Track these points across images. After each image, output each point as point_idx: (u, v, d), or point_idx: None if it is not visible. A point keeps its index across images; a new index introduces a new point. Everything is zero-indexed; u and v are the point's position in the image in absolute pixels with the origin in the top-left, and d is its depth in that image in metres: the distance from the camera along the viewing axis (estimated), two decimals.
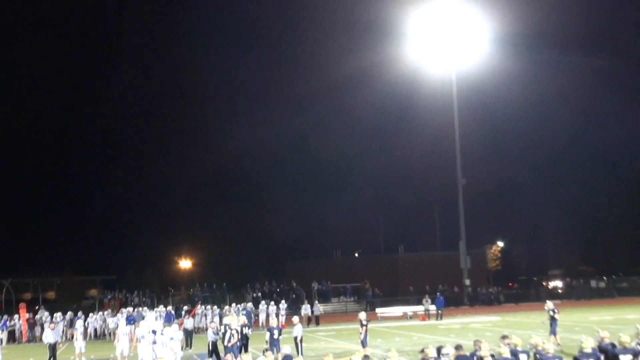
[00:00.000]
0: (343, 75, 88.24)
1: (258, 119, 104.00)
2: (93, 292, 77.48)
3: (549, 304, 35.03)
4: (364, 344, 31.79)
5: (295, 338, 32.50)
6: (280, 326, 32.82)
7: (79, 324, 37.04)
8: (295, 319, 34.36)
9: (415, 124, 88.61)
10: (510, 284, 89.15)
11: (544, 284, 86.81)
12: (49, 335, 32.33)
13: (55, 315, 52.86)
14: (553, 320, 34.16)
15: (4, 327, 50.94)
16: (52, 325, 34.26)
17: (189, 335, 43.28)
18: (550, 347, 17.95)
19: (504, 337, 19.70)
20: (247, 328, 31.36)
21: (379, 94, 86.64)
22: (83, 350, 35.05)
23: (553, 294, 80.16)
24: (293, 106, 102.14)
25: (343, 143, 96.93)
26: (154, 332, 29.78)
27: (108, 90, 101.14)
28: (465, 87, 75.11)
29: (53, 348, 32.03)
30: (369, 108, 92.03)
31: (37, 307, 59.12)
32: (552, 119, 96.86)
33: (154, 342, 28.48)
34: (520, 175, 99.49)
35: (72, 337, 47.37)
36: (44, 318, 52.97)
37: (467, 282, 75.21)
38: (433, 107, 78.68)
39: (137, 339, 29.89)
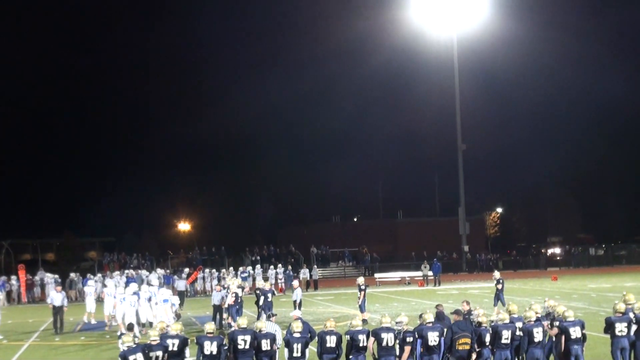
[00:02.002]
0: (343, 40, 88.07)
1: (258, 84, 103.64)
2: (92, 254, 77.52)
3: (496, 274, 35.13)
4: (362, 308, 31.84)
5: (295, 302, 32.61)
6: (273, 289, 32.79)
7: (90, 284, 37.16)
8: (295, 283, 34.47)
9: (416, 89, 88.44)
10: (509, 251, 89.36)
11: (542, 251, 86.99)
12: (56, 298, 32.23)
13: (54, 277, 53.04)
14: (499, 290, 34.36)
15: (2, 288, 51.04)
16: (58, 288, 34.11)
17: (181, 296, 43.67)
18: (567, 311, 17.89)
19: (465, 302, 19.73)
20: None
21: (380, 58, 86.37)
22: (93, 310, 35.26)
23: (551, 261, 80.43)
24: (293, 71, 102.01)
25: (343, 108, 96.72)
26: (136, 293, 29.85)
27: (108, 51, 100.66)
28: (466, 50, 74.85)
29: (58, 311, 31.93)
30: (370, 73, 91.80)
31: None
32: (553, 82, 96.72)
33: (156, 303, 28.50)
34: (520, 142, 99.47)
35: (75, 298, 47.71)
36: (45, 280, 53.13)
37: (466, 248, 75.33)
38: (434, 71, 78.51)
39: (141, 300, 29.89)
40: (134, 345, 16.35)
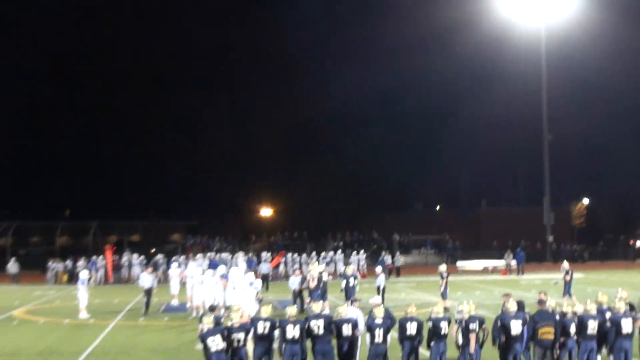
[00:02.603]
0: (431, 30, 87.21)
1: (346, 72, 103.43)
2: (176, 236, 78.73)
3: (565, 264, 34.19)
4: (444, 296, 31.73)
5: (378, 287, 32.57)
6: (357, 274, 32.88)
7: (174, 266, 37.76)
8: (379, 269, 34.41)
9: (503, 78, 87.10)
10: (596, 243, 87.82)
11: (631, 242, 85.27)
12: (146, 280, 32.69)
13: (139, 258, 54.08)
14: (567, 281, 33.52)
15: (93, 268, 52.16)
16: (148, 270, 34.61)
17: (264, 279, 44.33)
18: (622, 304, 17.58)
19: (506, 294, 19.36)
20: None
21: (467, 48, 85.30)
22: (177, 292, 35.89)
23: None
24: (380, 61, 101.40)
25: (428, 97, 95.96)
26: (225, 277, 30.18)
27: (202, 36, 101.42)
28: (554, 40, 73.54)
29: (149, 292, 32.38)
30: (456, 63, 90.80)
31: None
32: None
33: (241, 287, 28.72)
34: (609, 134, 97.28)
35: (159, 280, 48.49)
36: (133, 260, 54.21)
37: (550, 238, 74.34)
38: (521, 61, 77.31)
39: (225, 282, 30.20)
40: (214, 327, 16.53)
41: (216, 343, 16.08)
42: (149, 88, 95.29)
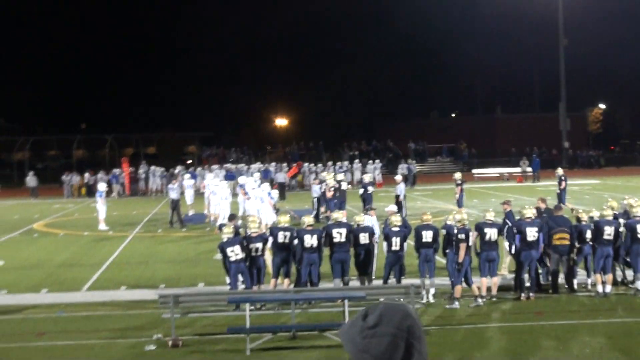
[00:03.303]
0: None
1: None
2: (191, 148, 78.93)
3: (559, 171, 34.00)
4: (459, 203, 31.83)
5: (398, 197, 32.48)
6: (375, 184, 33.11)
7: (187, 177, 37.97)
8: (398, 177, 34.41)
9: None
10: (612, 147, 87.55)
11: None
12: (172, 192, 32.80)
13: (156, 169, 54.29)
14: (562, 189, 33.40)
15: (114, 181, 52.40)
16: (174, 182, 34.63)
17: (281, 189, 44.59)
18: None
19: (506, 202, 19.42)
20: (346, 184, 31.60)
21: None
22: (192, 202, 36.21)
23: None
24: None
25: (442, 4, 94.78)
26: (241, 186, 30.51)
27: None
28: None
29: (176, 204, 32.42)
30: None
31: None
32: None
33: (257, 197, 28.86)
34: (625, 35, 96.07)
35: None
36: (150, 172, 54.44)
37: (567, 144, 74.05)
38: None
39: (243, 192, 30.41)
40: (233, 237, 16.73)
41: (235, 253, 16.31)
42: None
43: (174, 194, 32.36)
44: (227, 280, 16.81)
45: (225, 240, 16.60)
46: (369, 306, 3.18)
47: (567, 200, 32.30)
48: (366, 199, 30.28)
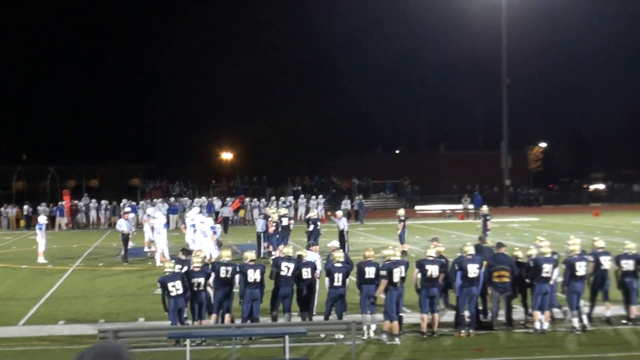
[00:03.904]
0: None
1: (306, 14, 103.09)
2: (135, 181, 78.36)
3: (484, 209, 34.58)
4: (402, 240, 31.99)
5: (342, 231, 32.59)
6: (320, 219, 33.23)
7: (150, 211, 37.40)
8: (339, 212, 34.51)
9: (463, 22, 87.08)
10: (551, 186, 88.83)
11: (585, 186, 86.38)
12: (123, 225, 32.29)
13: (101, 202, 53.72)
14: (485, 224, 33.98)
15: (58, 213, 51.69)
16: (126, 215, 34.00)
17: (225, 223, 44.59)
18: (599, 244, 17.97)
19: (434, 238, 19.62)
20: (288, 219, 31.69)
21: None
22: (152, 237, 35.71)
23: (594, 197, 79.90)
24: (341, 4, 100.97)
25: (389, 40, 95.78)
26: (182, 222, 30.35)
27: None
28: None
29: (127, 238, 31.93)
30: (418, 4, 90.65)
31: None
32: (603, 17, 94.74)
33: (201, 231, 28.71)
34: (567, 76, 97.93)
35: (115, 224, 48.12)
36: (91, 205, 53.86)
37: (508, 182, 75.04)
38: (482, 4, 77.09)
39: (184, 227, 30.21)
40: (174, 272, 16.66)
41: (176, 288, 16.25)
42: (107, 31, 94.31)
43: (125, 228, 31.93)
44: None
45: (166, 274, 16.53)
46: (84, 350, 3.19)
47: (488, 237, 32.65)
48: (313, 234, 30.33)
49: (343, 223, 32.88)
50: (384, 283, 16.63)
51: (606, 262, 18.08)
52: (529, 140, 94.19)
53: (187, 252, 18.99)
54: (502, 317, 17.82)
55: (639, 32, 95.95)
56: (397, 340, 16.51)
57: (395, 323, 16.60)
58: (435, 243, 18.71)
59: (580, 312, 17.37)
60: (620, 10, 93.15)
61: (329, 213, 42.10)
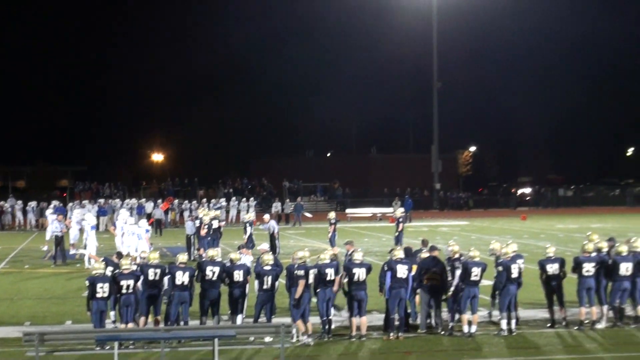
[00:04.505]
0: None
1: (234, 20, 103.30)
2: (64, 182, 77.28)
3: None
4: (332, 242, 32.08)
5: (273, 234, 32.62)
6: (253, 222, 33.19)
7: (78, 212, 36.80)
8: (267, 216, 34.48)
9: (394, 25, 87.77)
10: (480, 190, 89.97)
11: (513, 190, 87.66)
12: (57, 227, 31.69)
13: (29, 203, 52.68)
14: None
15: None
16: (59, 217, 33.35)
17: (158, 224, 44.24)
18: (511, 248, 18.15)
19: (349, 242, 19.74)
20: (218, 222, 31.58)
21: None
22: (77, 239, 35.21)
23: (521, 201, 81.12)
24: (273, 7, 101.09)
25: (322, 43, 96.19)
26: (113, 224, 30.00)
27: None
28: None
29: (60, 241, 31.30)
30: (348, 8, 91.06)
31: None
32: (532, 24, 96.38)
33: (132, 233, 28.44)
34: (496, 82, 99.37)
35: (43, 225, 47.37)
36: (16, 206, 52.88)
37: (438, 186, 75.76)
38: (413, 7, 77.71)
39: (113, 229, 29.86)
40: (104, 273, 16.48)
41: (103, 290, 16.09)
42: (36, 30, 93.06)
43: (57, 230, 31.38)
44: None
45: (96, 274, 16.36)
46: None
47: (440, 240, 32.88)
48: (250, 238, 30.31)
49: (272, 226, 32.87)
50: (301, 284, 16.68)
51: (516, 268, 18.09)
52: (459, 144, 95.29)
53: (121, 255, 18.80)
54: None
55: (568, 40, 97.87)
56: (306, 339, 16.58)
57: (299, 322, 16.67)
58: (349, 247, 18.83)
59: (511, 315, 17.57)
60: (551, 17, 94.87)
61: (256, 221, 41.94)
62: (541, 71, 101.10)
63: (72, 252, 32.18)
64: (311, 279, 16.95)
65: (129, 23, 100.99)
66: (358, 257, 17.43)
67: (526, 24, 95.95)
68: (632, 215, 61.54)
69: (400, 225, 34.14)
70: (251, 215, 33.85)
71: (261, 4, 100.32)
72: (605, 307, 18.19)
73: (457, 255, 18.04)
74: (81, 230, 31.78)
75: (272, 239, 32.18)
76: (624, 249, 18.23)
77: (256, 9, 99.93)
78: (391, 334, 17.13)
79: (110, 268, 17.05)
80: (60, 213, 35.59)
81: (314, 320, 17.28)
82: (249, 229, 31.04)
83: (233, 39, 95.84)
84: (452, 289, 17.73)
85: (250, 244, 28.90)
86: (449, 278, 17.81)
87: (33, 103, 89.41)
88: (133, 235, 27.75)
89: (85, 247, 30.30)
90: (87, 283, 16.54)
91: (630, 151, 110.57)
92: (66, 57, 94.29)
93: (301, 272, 16.74)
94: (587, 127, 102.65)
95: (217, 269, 17.21)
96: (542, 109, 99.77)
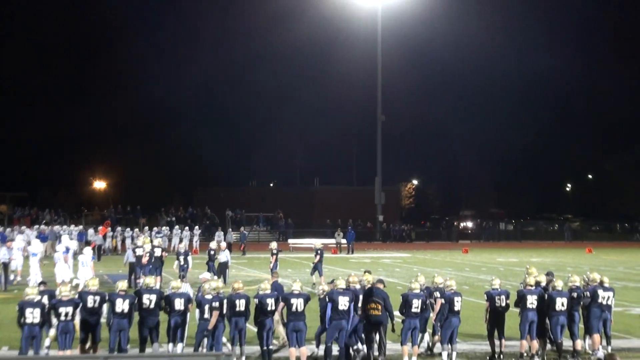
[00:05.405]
0: (265, 11, 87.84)
1: (181, 57, 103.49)
2: (2, 208, 76.11)
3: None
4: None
5: (225, 263, 32.51)
6: (190, 251, 33.05)
7: (18, 238, 36.25)
8: (223, 244, 34.20)
9: (339, 59, 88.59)
10: (423, 222, 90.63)
11: (455, 223, 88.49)
12: (4, 254, 31.14)
13: None
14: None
15: None
16: (8, 243, 32.54)
17: (98, 251, 43.91)
18: (453, 283, 18.36)
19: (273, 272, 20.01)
20: (161, 250, 31.35)
21: (303, 28, 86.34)
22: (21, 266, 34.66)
23: (463, 234, 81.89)
24: (218, 41, 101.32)
25: (266, 77, 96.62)
26: (67, 250, 29.60)
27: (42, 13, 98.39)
28: (390, 21, 74.95)
29: (5, 267, 30.79)
30: (293, 42, 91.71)
31: None
32: (476, 58, 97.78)
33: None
34: (439, 116, 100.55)
35: None
36: None
37: (381, 218, 76.11)
38: (357, 42, 78.62)
39: (66, 257, 29.47)
40: (36, 300, 16.31)
41: (33, 315, 15.91)
42: None
43: (6, 258, 30.91)
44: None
45: (26, 299, 16.17)
46: None
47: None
48: (181, 268, 30.14)
49: (226, 255, 32.84)
50: (215, 314, 16.75)
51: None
52: (402, 177, 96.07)
53: (45, 283, 18.67)
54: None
55: (513, 78, 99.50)
56: None
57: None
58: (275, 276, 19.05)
59: (453, 347, 17.70)
60: (496, 52, 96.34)
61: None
62: (485, 107, 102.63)
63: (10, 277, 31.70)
64: (277, 312, 17.06)
65: (72, 53, 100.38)
66: (296, 287, 17.48)
67: (472, 61, 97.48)
68: (570, 250, 62.41)
69: (318, 256, 33.86)
70: (184, 246, 33.68)
71: (207, 38, 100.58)
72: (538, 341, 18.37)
73: (438, 286, 18.28)
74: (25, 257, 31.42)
75: (224, 267, 32.13)
76: (560, 284, 18.51)
77: (204, 39, 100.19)
78: None
79: (38, 297, 16.81)
80: (4, 239, 35.14)
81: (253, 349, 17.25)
82: (182, 259, 30.80)
83: (179, 70, 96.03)
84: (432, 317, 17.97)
85: (183, 271, 28.94)
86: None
87: None
88: (81, 263, 27.56)
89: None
90: (16, 308, 16.36)
91: (568, 187, 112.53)
92: (8, 83, 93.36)
93: (216, 304, 16.82)
94: (528, 163, 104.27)
95: (154, 297, 17.15)
96: (485, 145, 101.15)
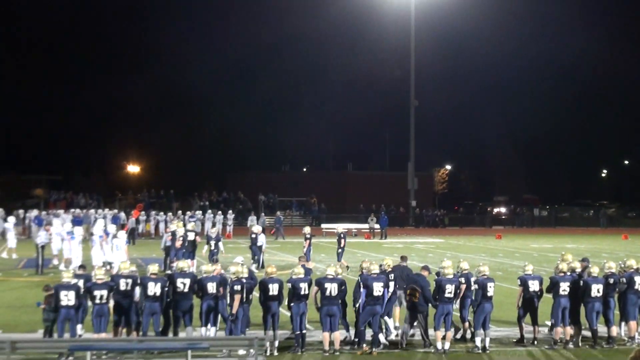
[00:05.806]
0: None
1: (211, 36, 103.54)
2: (39, 191, 76.66)
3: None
4: (307, 257, 32.05)
5: (260, 247, 32.66)
6: (222, 235, 33.15)
7: (10, 220, 36.79)
8: (258, 228, 34.23)
9: (372, 44, 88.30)
10: (456, 208, 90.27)
11: (488, 209, 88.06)
12: (43, 236, 31.48)
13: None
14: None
15: None
16: (47, 227, 32.88)
17: (132, 234, 44.10)
18: (486, 268, 18.20)
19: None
20: (195, 235, 31.42)
21: (336, 12, 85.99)
22: (14, 246, 34.96)
23: (497, 220, 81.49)
24: (249, 24, 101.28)
25: (300, 61, 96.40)
26: (106, 233, 29.82)
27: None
28: (423, 6, 74.40)
29: (43, 249, 31.17)
30: (326, 26, 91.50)
31: None
32: (509, 44, 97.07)
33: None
34: (473, 101, 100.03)
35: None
36: None
37: (414, 203, 75.92)
38: (390, 27, 78.20)
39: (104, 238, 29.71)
40: (71, 283, 16.43)
41: (68, 298, 16.05)
42: (15, 41, 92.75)
43: (41, 239, 31.17)
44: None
45: (63, 282, 16.31)
46: None
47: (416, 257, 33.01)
48: (213, 252, 30.25)
49: (261, 240, 32.91)
50: (237, 298, 16.71)
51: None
52: (435, 162, 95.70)
53: (84, 267, 18.81)
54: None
55: (544, 62, 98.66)
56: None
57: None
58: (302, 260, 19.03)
59: (486, 333, 17.58)
60: (529, 38, 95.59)
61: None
62: (518, 91, 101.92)
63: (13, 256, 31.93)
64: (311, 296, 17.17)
65: (106, 36, 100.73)
66: (331, 272, 17.41)
67: (503, 46, 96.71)
68: (605, 237, 61.90)
69: (342, 241, 34.06)
70: (215, 230, 33.78)
71: (239, 21, 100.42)
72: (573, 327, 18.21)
73: (464, 272, 18.15)
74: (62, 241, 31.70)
75: (258, 251, 32.22)
76: (595, 270, 18.34)
77: (234, 25, 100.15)
78: (364, 345, 17.11)
79: (74, 280, 16.90)
80: (41, 223, 35.56)
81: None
82: (213, 244, 30.89)
83: (211, 54, 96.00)
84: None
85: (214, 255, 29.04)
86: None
87: (7, 111, 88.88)
88: (115, 247, 27.78)
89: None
90: (52, 290, 16.50)
91: (604, 173, 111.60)
92: (43, 66, 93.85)
93: (237, 287, 16.79)
94: (562, 149, 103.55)
95: (187, 281, 17.18)
96: (519, 130, 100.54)
